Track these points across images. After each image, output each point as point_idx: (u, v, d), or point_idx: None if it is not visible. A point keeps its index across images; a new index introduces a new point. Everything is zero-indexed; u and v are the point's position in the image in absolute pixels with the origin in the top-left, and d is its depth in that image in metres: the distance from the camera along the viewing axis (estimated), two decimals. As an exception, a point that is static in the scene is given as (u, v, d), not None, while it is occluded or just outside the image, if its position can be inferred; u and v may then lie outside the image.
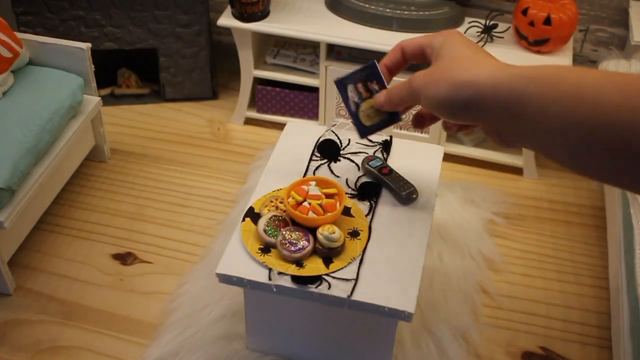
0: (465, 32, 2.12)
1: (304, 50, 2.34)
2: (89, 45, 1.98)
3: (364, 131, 1.24)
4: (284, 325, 1.49)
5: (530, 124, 0.69)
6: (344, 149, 1.62)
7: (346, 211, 1.42)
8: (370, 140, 1.66)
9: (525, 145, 0.75)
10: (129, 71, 2.51)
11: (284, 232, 1.33)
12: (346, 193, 1.45)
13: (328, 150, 1.61)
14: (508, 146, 0.82)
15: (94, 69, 2.02)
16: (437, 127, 2.20)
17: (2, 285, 1.75)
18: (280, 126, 1.96)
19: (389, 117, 1.22)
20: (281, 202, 1.43)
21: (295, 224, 1.36)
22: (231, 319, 1.65)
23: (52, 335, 1.66)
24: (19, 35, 1.96)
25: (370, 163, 1.53)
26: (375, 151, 1.62)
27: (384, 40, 2.07)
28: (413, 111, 2.17)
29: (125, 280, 1.81)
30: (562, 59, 2.03)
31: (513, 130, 0.73)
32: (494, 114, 0.74)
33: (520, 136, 0.73)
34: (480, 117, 0.78)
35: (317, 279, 1.28)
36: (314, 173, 1.54)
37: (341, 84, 1.23)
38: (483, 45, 2.06)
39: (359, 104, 1.22)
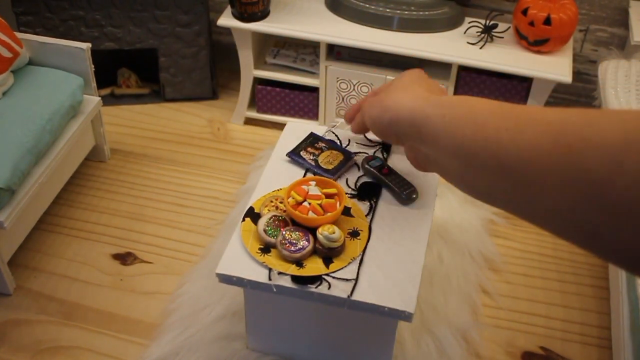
0: (465, 32, 2.12)
1: (304, 50, 2.34)
2: (89, 45, 1.98)
3: (331, 172, 1.52)
4: (284, 325, 1.49)
5: (432, 144, 0.77)
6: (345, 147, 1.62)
7: (346, 211, 1.42)
8: (370, 141, 1.66)
9: (433, 168, 0.83)
10: (129, 71, 2.51)
11: (284, 232, 1.33)
12: (346, 193, 1.45)
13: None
14: (422, 170, 0.97)
15: (94, 69, 2.02)
16: (437, 127, 2.20)
17: (2, 285, 1.75)
18: (280, 126, 1.96)
19: (345, 158, 1.55)
20: (281, 202, 1.43)
21: (295, 224, 1.36)
22: (231, 319, 1.65)
23: (52, 335, 1.66)
24: (19, 35, 1.96)
25: (370, 163, 1.53)
26: (375, 151, 1.62)
27: (384, 40, 2.08)
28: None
29: (125, 280, 1.81)
30: (562, 59, 2.03)
31: (423, 151, 0.82)
32: (407, 134, 0.85)
33: (429, 158, 0.81)
34: (400, 138, 0.91)
35: (317, 279, 1.28)
36: (314, 173, 1.54)
37: (294, 154, 1.56)
38: (483, 46, 2.06)
39: (317, 159, 1.54)
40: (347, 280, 1.28)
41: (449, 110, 0.74)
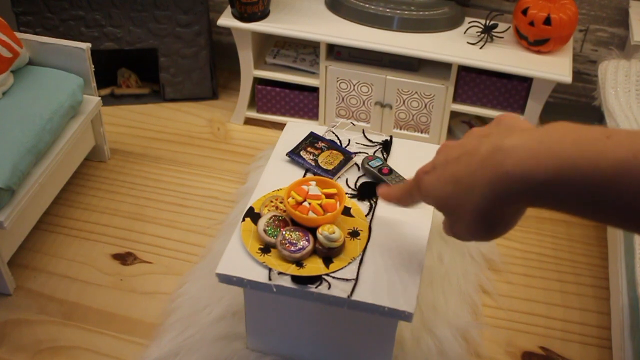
0: (465, 32, 2.12)
1: (304, 50, 2.34)
2: (89, 45, 1.98)
3: (331, 172, 1.52)
4: (284, 325, 1.49)
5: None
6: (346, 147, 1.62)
7: (346, 211, 1.42)
8: (371, 141, 1.66)
9: (500, 230, 0.70)
10: (129, 71, 2.51)
11: (284, 232, 1.33)
12: (346, 193, 1.45)
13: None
14: (463, 239, 0.73)
15: (94, 69, 2.02)
16: (437, 127, 2.20)
17: (2, 285, 1.75)
18: (280, 126, 1.96)
19: (345, 158, 1.55)
20: (281, 202, 1.43)
21: (295, 224, 1.36)
22: (231, 319, 1.65)
23: (52, 335, 1.66)
24: (19, 35, 1.96)
25: (370, 163, 1.53)
26: (375, 151, 1.62)
27: (384, 40, 2.08)
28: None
29: (125, 280, 1.81)
30: (562, 59, 2.03)
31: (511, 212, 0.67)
32: (540, 194, 0.63)
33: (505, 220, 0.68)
34: (506, 201, 0.64)
35: (317, 279, 1.28)
36: (314, 173, 1.54)
37: (293, 154, 1.56)
38: (483, 46, 2.06)
39: (317, 159, 1.54)
40: (347, 280, 1.28)
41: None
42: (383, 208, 1.46)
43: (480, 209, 0.62)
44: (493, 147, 0.60)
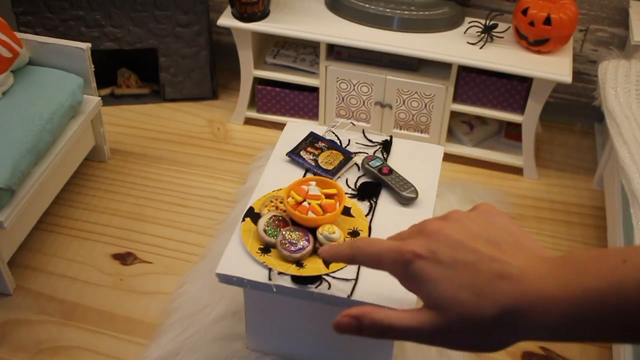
0: (465, 32, 2.12)
1: (304, 50, 2.34)
2: (89, 45, 1.98)
3: (331, 172, 1.51)
4: (284, 325, 1.48)
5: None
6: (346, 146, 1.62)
7: (346, 211, 1.42)
8: (371, 141, 1.66)
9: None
10: (129, 71, 2.51)
11: (284, 232, 1.33)
12: (346, 193, 1.45)
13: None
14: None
15: (94, 69, 2.02)
16: (437, 127, 2.20)
17: (2, 285, 1.75)
18: (280, 126, 1.96)
19: (345, 158, 1.55)
20: (281, 202, 1.43)
21: (295, 224, 1.36)
22: (231, 319, 1.65)
23: (52, 335, 1.66)
24: (19, 35, 1.96)
25: (370, 163, 1.53)
26: (375, 151, 1.62)
27: (384, 40, 2.07)
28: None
29: (125, 280, 1.81)
30: (562, 59, 2.03)
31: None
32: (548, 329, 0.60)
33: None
34: (508, 338, 0.61)
35: (317, 279, 1.28)
36: (314, 173, 1.54)
37: (293, 154, 1.56)
38: (483, 46, 2.06)
39: (317, 159, 1.54)
40: (347, 280, 1.28)
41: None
42: (383, 208, 1.47)
43: (493, 330, 0.59)
44: (518, 272, 0.58)
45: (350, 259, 0.70)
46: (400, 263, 0.63)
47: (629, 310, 0.53)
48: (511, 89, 2.09)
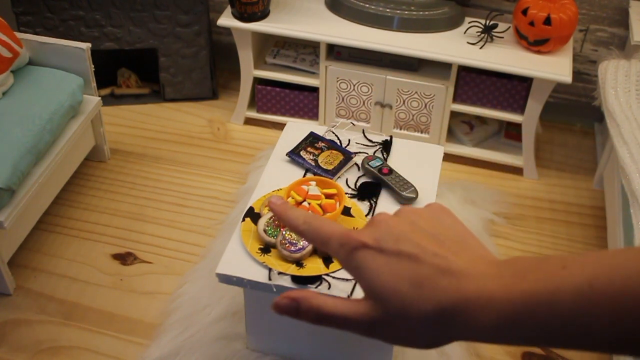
0: (465, 32, 2.12)
1: (304, 50, 2.34)
2: (89, 45, 1.98)
3: (331, 172, 1.51)
4: (284, 325, 1.49)
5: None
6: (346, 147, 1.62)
7: (346, 211, 1.42)
8: (371, 141, 1.66)
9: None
10: (129, 71, 2.51)
11: (283, 232, 1.33)
12: (346, 193, 1.45)
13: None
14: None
15: (94, 69, 2.02)
16: (437, 127, 2.20)
17: (2, 285, 1.75)
18: (280, 126, 1.96)
19: (345, 158, 1.55)
20: (281, 202, 1.43)
21: (295, 224, 1.36)
22: (231, 319, 1.65)
23: (52, 335, 1.66)
24: (19, 35, 1.96)
25: (370, 163, 1.53)
26: (375, 151, 1.62)
27: (384, 40, 2.08)
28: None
29: (125, 280, 1.81)
30: (562, 59, 2.03)
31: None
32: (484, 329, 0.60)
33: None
34: (444, 336, 0.62)
35: (317, 279, 1.28)
36: (314, 173, 1.54)
37: (293, 154, 1.55)
38: (483, 46, 2.06)
39: (317, 159, 1.53)
40: (347, 280, 1.28)
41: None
42: (383, 208, 1.47)
43: (429, 325, 0.58)
44: (459, 270, 0.58)
45: (299, 232, 0.69)
46: (345, 248, 0.62)
47: (564, 315, 0.53)
48: (511, 89, 2.09)
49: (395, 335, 0.61)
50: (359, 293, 1.26)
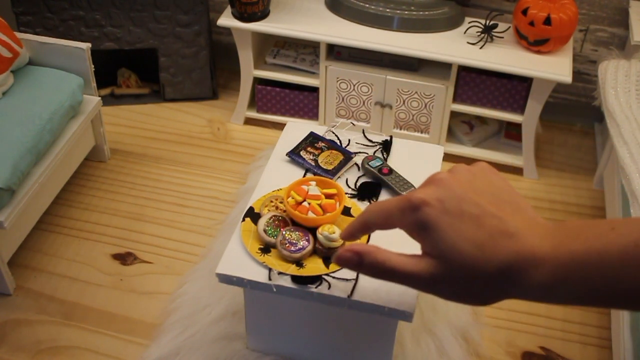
0: (465, 32, 2.12)
1: (304, 50, 2.34)
2: (89, 45, 1.98)
3: (331, 172, 1.51)
4: (284, 325, 1.48)
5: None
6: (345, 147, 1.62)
7: (346, 211, 1.42)
8: (371, 141, 1.66)
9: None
10: (129, 71, 2.51)
11: (283, 232, 1.33)
12: (346, 193, 1.45)
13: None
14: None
15: (94, 69, 2.02)
16: (437, 127, 2.20)
17: (2, 285, 1.75)
18: (280, 126, 1.96)
19: (345, 158, 1.55)
20: (281, 202, 1.43)
21: (295, 224, 1.36)
22: (231, 319, 1.65)
23: (52, 335, 1.66)
24: (19, 35, 1.96)
25: (370, 163, 1.53)
26: (375, 151, 1.62)
27: (384, 40, 2.08)
28: (410, 120, 2.18)
29: (125, 280, 1.81)
30: (562, 59, 2.03)
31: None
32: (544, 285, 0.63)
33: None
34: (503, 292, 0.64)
35: (317, 279, 1.28)
36: (314, 173, 1.54)
37: (293, 154, 1.56)
38: (483, 46, 2.06)
39: (317, 159, 1.53)
40: (347, 280, 1.28)
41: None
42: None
43: (488, 283, 0.61)
44: (515, 231, 0.61)
45: (363, 225, 0.73)
46: (409, 210, 0.64)
47: (611, 274, 0.56)
48: (511, 89, 2.09)
49: (455, 292, 0.63)
50: (360, 293, 1.26)
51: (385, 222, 0.69)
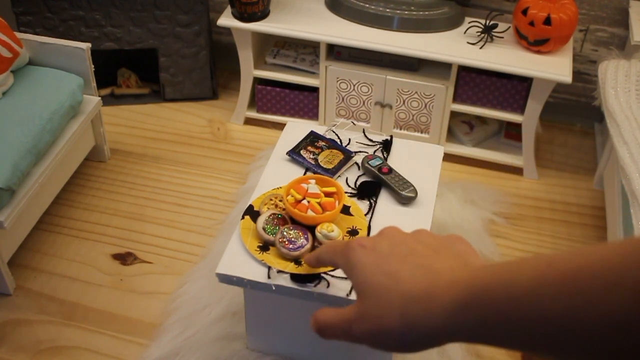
0: (465, 32, 2.12)
1: (304, 50, 2.34)
2: (89, 45, 1.98)
3: (331, 171, 1.51)
4: (283, 325, 1.48)
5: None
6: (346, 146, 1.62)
7: (345, 210, 1.42)
8: (371, 140, 1.66)
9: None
10: (129, 71, 2.51)
11: (283, 230, 1.33)
12: (346, 192, 1.45)
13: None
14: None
15: (94, 69, 2.02)
16: (437, 127, 2.20)
17: (2, 285, 1.74)
18: (280, 126, 1.96)
19: (345, 157, 1.55)
20: (281, 200, 1.43)
21: (295, 222, 1.36)
22: (231, 319, 1.65)
23: (52, 335, 1.66)
24: (19, 35, 1.96)
25: (370, 162, 1.53)
26: (375, 150, 1.62)
27: (384, 40, 2.08)
28: (412, 117, 2.17)
29: (125, 280, 1.81)
30: (562, 59, 2.03)
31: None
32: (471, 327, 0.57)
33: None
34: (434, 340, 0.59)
35: (315, 277, 1.28)
36: (314, 172, 1.54)
37: (294, 153, 1.56)
38: (483, 46, 2.06)
39: (317, 158, 1.53)
40: (346, 278, 1.28)
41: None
42: (383, 207, 1.46)
43: (395, 316, 0.57)
44: (437, 266, 0.58)
45: (317, 259, 0.76)
46: (346, 251, 0.65)
47: (520, 296, 0.49)
48: (511, 89, 2.09)
49: (369, 332, 0.59)
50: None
51: (331, 261, 0.70)
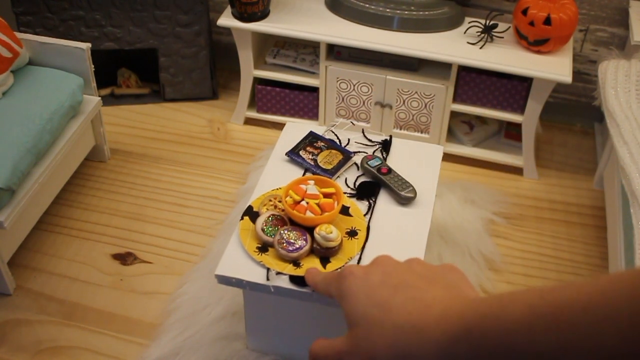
0: (465, 32, 2.12)
1: (304, 50, 2.34)
2: (89, 45, 1.98)
3: (330, 172, 1.51)
4: (283, 325, 1.49)
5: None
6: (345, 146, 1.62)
7: (344, 210, 1.42)
8: (370, 140, 1.66)
9: None
10: (129, 71, 2.51)
11: (281, 232, 1.33)
12: (345, 192, 1.45)
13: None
14: None
15: (94, 69, 2.02)
16: (437, 127, 2.20)
17: (2, 285, 1.75)
18: (280, 126, 1.96)
19: (344, 157, 1.55)
20: (280, 201, 1.43)
21: (294, 223, 1.36)
22: (231, 319, 1.65)
23: (52, 335, 1.67)
24: (19, 35, 1.96)
25: (369, 162, 1.53)
26: (374, 150, 1.62)
27: (384, 40, 2.07)
28: (410, 114, 2.18)
29: (125, 280, 1.81)
30: (562, 59, 2.03)
31: None
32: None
33: None
34: None
35: (315, 279, 1.28)
36: (313, 173, 1.54)
37: (293, 153, 1.56)
38: (483, 46, 2.06)
39: (316, 159, 1.54)
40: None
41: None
42: (382, 207, 1.46)
43: (387, 348, 0.56)
44: (430, 298, 0.57)
45: (314, 287, 0.76)
46: (339, 279, 0.65)
47: (512, 328, 0.49)
48: (511, 89, 2.09)
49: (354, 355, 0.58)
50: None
51: (326, 290, 0.70)
